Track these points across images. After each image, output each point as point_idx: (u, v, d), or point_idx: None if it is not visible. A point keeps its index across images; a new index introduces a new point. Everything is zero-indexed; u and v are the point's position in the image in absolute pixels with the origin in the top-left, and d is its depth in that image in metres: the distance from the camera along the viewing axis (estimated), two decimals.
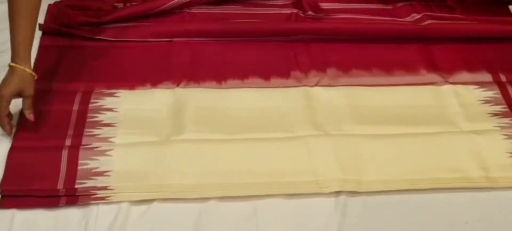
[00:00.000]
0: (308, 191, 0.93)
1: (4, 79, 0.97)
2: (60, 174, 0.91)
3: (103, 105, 1.06)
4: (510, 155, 1.03)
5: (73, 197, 0.87)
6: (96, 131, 1.01)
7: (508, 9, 1.48)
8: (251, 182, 0.94)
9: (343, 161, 0.99)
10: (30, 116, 0.96)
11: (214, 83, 1.16)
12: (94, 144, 0.98)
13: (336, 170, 0.97)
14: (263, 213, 0.91)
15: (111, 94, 1.09)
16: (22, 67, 0.97)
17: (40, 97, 1.03)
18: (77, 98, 1.07)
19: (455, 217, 0.94)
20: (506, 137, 1.07)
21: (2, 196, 0.87)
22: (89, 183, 0.91)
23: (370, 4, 1.44)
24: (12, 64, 0.96)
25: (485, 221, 0.94)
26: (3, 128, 0.96)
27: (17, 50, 0.97)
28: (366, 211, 0.95)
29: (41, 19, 1.25)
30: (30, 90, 0.97)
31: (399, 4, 1.42)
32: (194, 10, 1.35)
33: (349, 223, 0.92)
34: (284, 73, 1.19)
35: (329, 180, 0.94)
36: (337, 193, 0.94)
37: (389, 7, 1.42)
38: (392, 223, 0.94)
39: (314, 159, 0.99)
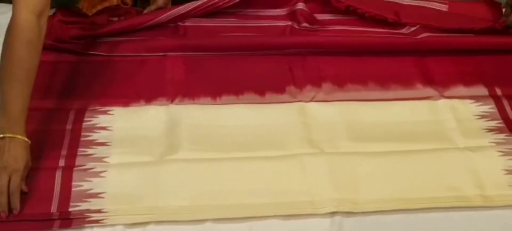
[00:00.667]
0: (303, 211, 0.92)
1: (7, 151, 0.86)
2: (54, 196, 0.90)
3: (97, 124, 1.06)
4: (506, 172, 1.02)
5: (67, 220, 0.86)
6: (90, 151, 1.00)
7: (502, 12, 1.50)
8: (247, 203, 0.93)
9: (339, 180, 0.99)
10: (25, 187, 0.87)
11: (209, 99, 1.15)
12: (88, 165, 0.97)
13: (331, 189, 0.96)
14: None
15: (105, 112, 1.09)
16: (24, 139, 0.89)
17: (34, 116, 0.99)
18: (71, 116, 1.06)
19: None
20: (501, 153, 1.07)
21: None
22: (83, 206, 0.89)
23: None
24: (12, 135, 0.87)
25: None
26: (16, 205, 0.84)
27: (15, 120, 0.88)
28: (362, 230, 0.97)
29: None
30: (31, 161, 0.90)
31: (390, 14, 1.43)
32: (188, 23, 1.33)
33: None
34: (279, 88, 1.18)
35: (324, 200, 0.93)
36: (333, 213, 0.93)
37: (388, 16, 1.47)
38: None
39: (309, 178, 0.99)
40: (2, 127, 0.88)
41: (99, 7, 1.38)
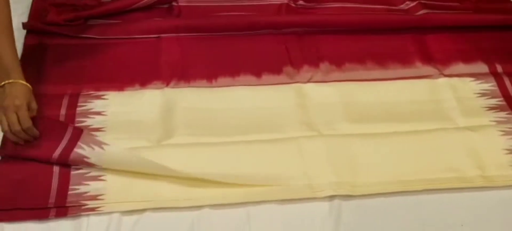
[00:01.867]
0: (302, 195, 0.92)
1: (8, 94, 0.93)
2: (52, 186, 0.89)
3: (91, 108, 1.05)
4: (507, 151, 1.02)
5: (63, 208, 0.87)
6: None
7: None
8: (244, 188, 0.93)
9: (337, 163, 0.98)
10: (36, 131, 0.93)
11: (204, 81, 1.14)
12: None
13: (329, 173, 0.96)
14: (257, 219, 0.91)
15: (99, 97, 1.08)
16: (21, 82, 0.95)
17: None
18: (64, 101, 1.06)
19: (451, 218, 0.94)
20: (502, 132, 1.06)
21: None
22: (81, 189, 0.90)
23: None
24: (10, 81, 0.93)
25: (482, 222, 0.95)
26: (34, 133, 0.92)
27: (11, 68, 0.95)
28: (360, 215, 0.95)
29: (25, 17, 1.23)
30: (35, 103, 0.96)
31: None
32: (182, 3, 1.33)
33: (344, 227, 0.92)
34: (276, 69, 1.18)
35: (323, 184, 0.94)
36: (331, 197, 0.93)
37: None
38: (387, 225, 0.94)
39: (307, 161, 0.98)
40: (4, 77, 0.95)
41: None
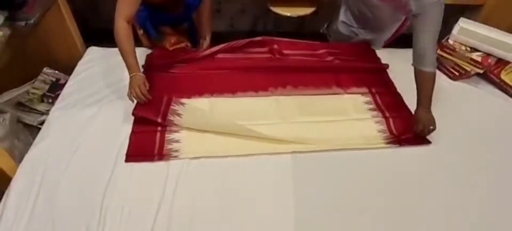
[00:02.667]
0: (277, 151, 1.27)
1: (132, 82, 1.33)
2: (156, 145, 1.29)
3: (176, 110, 1.40)
4: (377, 131, 1.43)
5: (161, 155, 1.24)
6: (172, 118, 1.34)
7: (375, 53, 1.83)
8: (251, 148, 1.28)
9: (296, 135, 1.31)
10: (149, 97, 1.33)
11: (230, 94, 1.51)
12: (173, 128, 1.33)
13: (292, 139, 1.30)
14: (257, 163, 1.26)
15: (180, 103, 1.44)
16: (140, 73, 1.34)
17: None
18: (164, 101, 1.42)
19: (355, 160, 1.30)
20: (375, 122, 1.47)
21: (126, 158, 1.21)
22: (168, 147, 1.27)
23: (307, 51, 1.79)
24: (134, 74, 1.33)
25: (371, 163, 1.30)
26: (148, 96, 1.33)
27: (133, 67, 1.33)
28: (310, 163, 1.27)
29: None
30: (147, 83, 1.34)
31: (321, 51, 1.78)
32: (219, 56, 1.71)
33: (299, 171, 1.23)
34: (264, 89, 1.55)
35: (288, 147, 1.28)
36: (293, 152, 1.28)
37: (317, 52, 1.78)
38: (325, 169, 1.26)
39: (280, 135, 1.31)
40: (130, 73, 1.32)
41: (175, 47, 1.74)
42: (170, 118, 1.33)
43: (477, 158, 1.37)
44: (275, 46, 1.69)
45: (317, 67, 1.62)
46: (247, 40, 1.68)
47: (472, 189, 1.26)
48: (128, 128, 1.33)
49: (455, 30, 1.77)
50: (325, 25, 2.00)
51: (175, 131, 1.34)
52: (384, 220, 1.14)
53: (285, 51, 1.70)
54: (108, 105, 1.42)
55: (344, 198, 1.18)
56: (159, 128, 1.33)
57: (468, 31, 1.75)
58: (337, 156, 1.29)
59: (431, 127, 1.38)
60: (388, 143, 1.37)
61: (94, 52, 1.71)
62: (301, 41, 1.78)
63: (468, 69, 1.76)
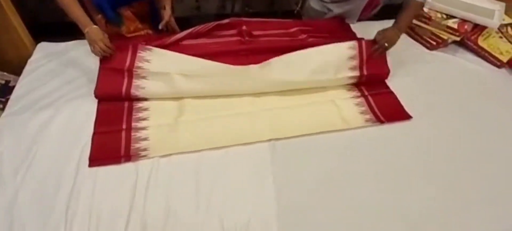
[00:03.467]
0: (254, 140, 1.26)
1: (90, 38, 1.31)
2: (122, 145, 1.23)
3: (144, 56, 1.41)
4: (359, 112, 1.42)
5: (128, 156, 1.19)
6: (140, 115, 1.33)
7: (349, 27, 1.82)
8: (226, 140, 1.25)
9: (272, 123, 1.32)
10: (113, 49, 1.33)
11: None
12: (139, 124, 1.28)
13: (268, 127, 1.30)
14: (232, 155, 1.25)
15: (147, 49, 1.42)
16: (94, 26, 1.31)
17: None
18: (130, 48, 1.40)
19: (335, 144, 1.31)
20: (356, 103, 1.47)
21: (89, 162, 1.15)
22: (136, 146, 1.22)
23: (278, 30, 1.75)
24: (88, 29, 1.31)
25: (352, 144, 1.30)
26: (113, 51, 1.33)
27: (84, 22, 1.31)
28: (287, 148, 1.28)
29: None
30: (107, 38, 1.33)
31: (293, 29, 1.74)
32: (185, 43, 1.62)
33: (277, 156, 1.24)
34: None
35: (265, 135, 1.27)
36: (269, 140, 1.27)
37: (289, 31, 1.74)
38: (302, 152, 1.26)
39: (256, 124, 1.32)
40: (83, 28, 1.30)
41: (133, 34, 1.66)
42: (138, 65, 1.34)
43: (458, 126, 1.42)
44: (244, 27, 1.64)
45: (290, 46, 1.57)
46: (214, 23, 1.63)
47: (455, 159, 1.31)
48: (89, 129, 1.27)
49: None
50: (299, 5, 2.00)
51: (142, 128, 1.29)
52: (368, 199, 1.15)
53: (255, 32, 1.66)
54: (65, 106, 1.34)
55: (327, 181, 1.18)
56: (124, 126, 1.29)
57: None
58: (317, 139, 1.30)
59: (386, 44, 1.50)
60: (369, 121, 1.39)
61: (44, 49, 1.61)
62: (271, 19, 1.74)
63: (445, 37, 1.77)
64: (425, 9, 1.81)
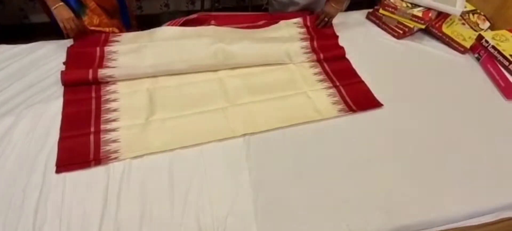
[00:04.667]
0: (228, 136, 1.26)
1: (59, 16, 1.35)
2: (90, 148, 1.17)
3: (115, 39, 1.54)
4: (332, 103, 1.42)
5: (98, 160, 1.15)
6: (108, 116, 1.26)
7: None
8: (199, 137, 1.23)
9: (246, 118, 1.30)
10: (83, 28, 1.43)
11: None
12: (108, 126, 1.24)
13: (241, 122, 1.29)
14: (207, 152, 1.22)
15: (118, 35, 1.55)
16: (61, 4, 1.34)
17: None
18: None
19: (310, 135, 1.30)
20: (328, 94, 1.47)
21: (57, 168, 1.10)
22: (106, 148, 1.17)
23: (246, 24, 1.76)
24: (56, 6, 1.37)
25: (328, 135, 1.32)
26: (83, 27, 1.43)
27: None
28: (262, 142, 1.28)
29: None
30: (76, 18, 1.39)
31: (261, 23, 1.75)
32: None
33: (252, 150, 1.24)
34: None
35: (239, 130, 1.26)
36: (244, 135, 1.27)
37: (257, 24, 1.74)
38: (277, 146, 1.27)
39: (230, 119, 1.31)
40: (51, 5, 1.36)
41: (95, 28, 1.60)
42: (108, 48, 1.46)
43: (427, 112, 1.46)
44: (212, 22, 1.64)
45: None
46: (183, 19, 1.63)
47: (425, 143, 1.35)
48: (55, 134, 1.22)
49: None
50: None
51: (112, 130, 1.24)
52: (345, 189, 1.17)
53: (223, 27, 1.65)
54: (27, 112, 1.29)
55: (302, 173, 1.19)
56: (93, 129, 1.24)
57: None
58: (291, 132, 1.30)
59: (326, 19, 1.76)
60: (341, 111, 1.41)
61: (3, 51, 1.54)
62: (238, 13, 1.74)
63: (411, 26, 1.82)
64: None
